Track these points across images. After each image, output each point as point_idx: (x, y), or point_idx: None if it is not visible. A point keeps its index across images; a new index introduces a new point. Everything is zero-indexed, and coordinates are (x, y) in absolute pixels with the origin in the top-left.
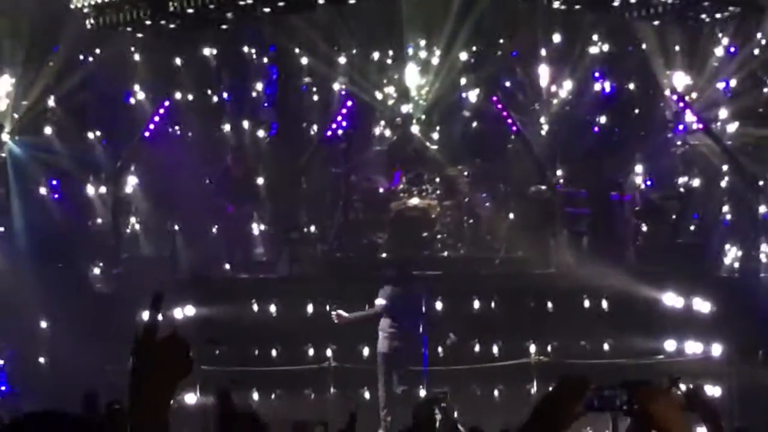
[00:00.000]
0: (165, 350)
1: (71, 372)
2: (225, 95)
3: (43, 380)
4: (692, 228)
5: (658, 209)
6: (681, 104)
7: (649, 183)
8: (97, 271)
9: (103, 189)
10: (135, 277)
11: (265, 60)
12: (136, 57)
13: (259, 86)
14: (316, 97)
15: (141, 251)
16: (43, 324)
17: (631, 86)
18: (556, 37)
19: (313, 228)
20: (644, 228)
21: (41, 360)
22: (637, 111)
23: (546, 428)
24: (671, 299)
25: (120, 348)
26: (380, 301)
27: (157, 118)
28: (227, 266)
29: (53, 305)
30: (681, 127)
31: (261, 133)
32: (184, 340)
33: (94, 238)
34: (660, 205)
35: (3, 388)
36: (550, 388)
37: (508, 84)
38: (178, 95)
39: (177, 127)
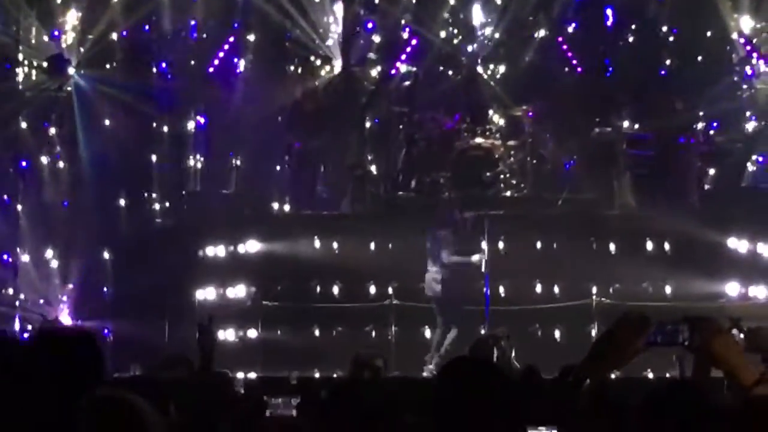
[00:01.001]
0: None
1: (134, 305)
2: (289, 32)
3: (106, 312)
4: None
5: (723, 152)
6: (748, 48)
7: (714, 126)
8: (159, 205)
9: (166, 124)
10: (197, 211)
11: None
12: None
13: (324, 23)
14: (380, 35)
15: (203, 186)
16: (106, 256)
17: (698, 29)
18: None
19: (375, 166)
20: (710, 171)
21: (104, 290)
22: (703, 54)
23: (606, 363)
24: (735, 243)
25: (181, 282)
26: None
27: (221, 54)
28: (288, 203)
29: (117, 238)
30: (749, 71)
31: (324, 71)
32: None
33: (157, 172)
34: (725, 148)
35: (68, 319)
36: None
37: (573, 25)
38: (242, 30)
39: (242, 63)
